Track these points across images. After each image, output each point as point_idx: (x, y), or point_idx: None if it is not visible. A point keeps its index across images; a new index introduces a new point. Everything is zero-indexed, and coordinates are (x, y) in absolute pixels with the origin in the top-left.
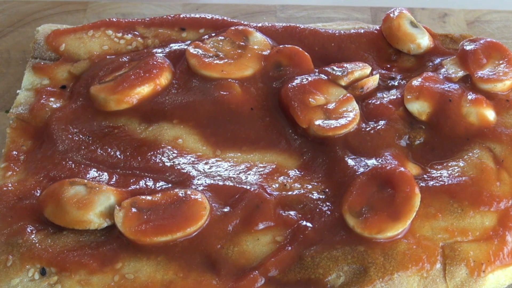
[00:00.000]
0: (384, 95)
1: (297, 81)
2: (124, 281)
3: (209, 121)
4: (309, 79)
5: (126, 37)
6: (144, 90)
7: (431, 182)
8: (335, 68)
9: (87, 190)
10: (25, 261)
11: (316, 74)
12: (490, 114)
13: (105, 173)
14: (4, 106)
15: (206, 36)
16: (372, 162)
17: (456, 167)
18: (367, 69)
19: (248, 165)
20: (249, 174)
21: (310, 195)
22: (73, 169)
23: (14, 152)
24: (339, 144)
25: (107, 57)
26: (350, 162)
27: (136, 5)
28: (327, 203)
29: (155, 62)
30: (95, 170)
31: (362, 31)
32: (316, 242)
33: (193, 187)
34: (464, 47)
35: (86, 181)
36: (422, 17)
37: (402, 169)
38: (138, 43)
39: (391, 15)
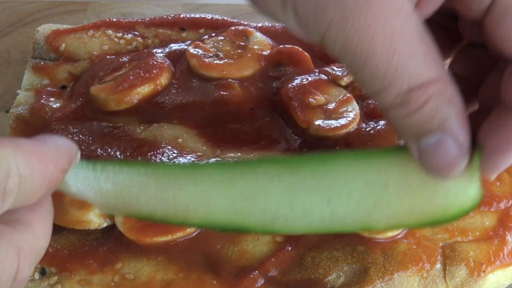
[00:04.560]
0: None
1: (297, 81)
2: (124, 281)
3: (209, 121)
4: (309, 79)
5: (126, 37)
6: (144, 90)
7: None
8: (335, 68)
9: None
10: None
11: (316, 74)
12: None
13: None
14: (4, 106)
15: (206, 36)
16: None
17: None
18: None
19: None
20: None
21: None
22: None
23: None
24: (339, 144)
25: (107, 57)
26: None
27: (136, 5)
28: None
29: (155, 62)
30: None
31: None
32: (316, 242)
33: None
34: None
35: None
36: None
37: None
38: (138, 43)
39: None
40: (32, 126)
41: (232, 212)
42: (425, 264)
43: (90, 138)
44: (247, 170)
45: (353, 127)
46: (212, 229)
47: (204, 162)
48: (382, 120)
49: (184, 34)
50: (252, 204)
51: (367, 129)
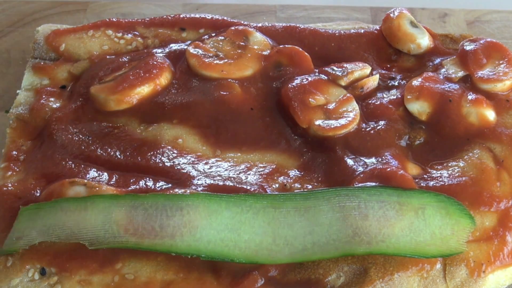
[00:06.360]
0: (384, 95)
1: (297, 81)
2: (124, 281)
3: (209, 121)
4: (309, 79)
5: (126, 37)
6: (144, 90)
7: (431, 182)
8: (335, 68)
9: (87, 190)
10: (25, 261)
11: (316, 74)
12: (490, 114)
13: (105, 173)
14: (4, 106)
15: (206, 36)
16: (372, 162)
17: (456, 167)
18: (367, 69)
19: (248, 165)
20: (249, 174)
21: None
22: (73, 169)
23: (14, 152)
24: (339, 144)
25: (107, 57)
26: (350, 162)
27: (136, 5)
28: None
29: (155, 62)
30: (95, 170)
31: (362, 31)
32: None
33: (193, 187)
34: (464, 47)
35: (86, 181)
36: (422, 17)
37: (401, 171)
38: (138, 43)
39: (391, 15)
40: (32, 126)
41: (218, 242)
42: (425, 265)
43: (90, 138)
44: (232, 204)
45: (353, 127)
46: (198, 256)
47: (190, 192)
48: (382, 120)
49: (184, 34)
50: (237, 236)
51: (367, 129)
